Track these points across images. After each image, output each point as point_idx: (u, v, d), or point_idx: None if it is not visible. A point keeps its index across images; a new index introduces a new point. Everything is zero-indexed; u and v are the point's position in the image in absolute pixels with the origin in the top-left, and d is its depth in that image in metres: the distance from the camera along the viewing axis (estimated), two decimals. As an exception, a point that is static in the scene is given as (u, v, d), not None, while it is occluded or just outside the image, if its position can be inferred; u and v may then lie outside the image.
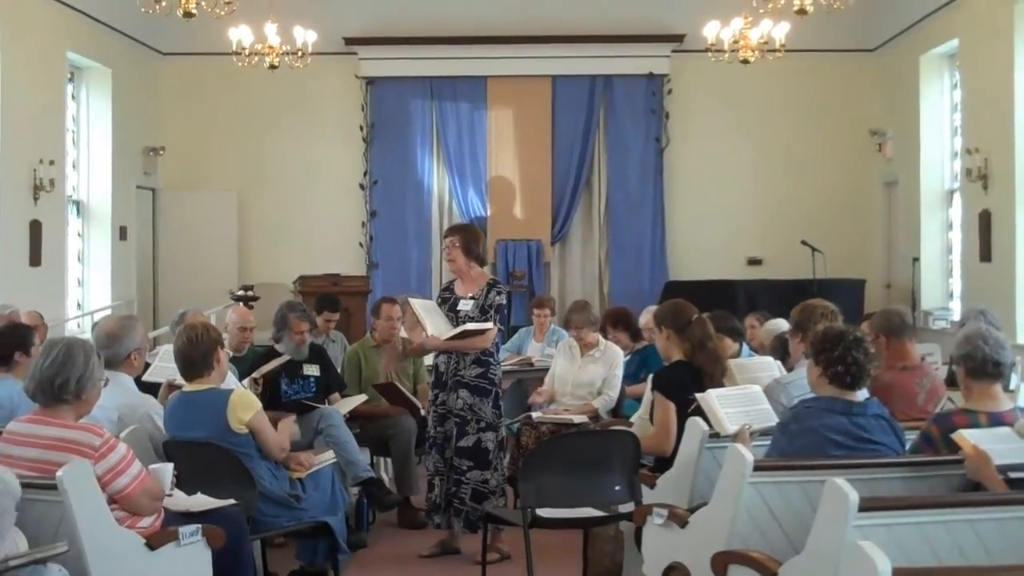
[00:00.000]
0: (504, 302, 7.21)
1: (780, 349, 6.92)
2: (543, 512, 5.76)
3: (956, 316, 12.55)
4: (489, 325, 7.03)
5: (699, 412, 5.43)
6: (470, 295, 7.15)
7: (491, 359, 7.14)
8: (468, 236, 7.27)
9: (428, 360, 7.81)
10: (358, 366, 8.51)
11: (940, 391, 5.92)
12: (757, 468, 4.46)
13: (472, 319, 7.05)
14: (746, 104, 15.46)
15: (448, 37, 15.28)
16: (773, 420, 5.33)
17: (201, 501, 5.10)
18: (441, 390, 7.13)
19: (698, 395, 5.47)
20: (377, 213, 15.69)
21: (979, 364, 4.74)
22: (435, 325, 7.01)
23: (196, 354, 5.67)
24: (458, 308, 7.15)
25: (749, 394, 5.55)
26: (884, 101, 15.29)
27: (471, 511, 6.99)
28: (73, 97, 13.79)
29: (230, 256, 15.40)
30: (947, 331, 12.10)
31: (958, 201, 13.40)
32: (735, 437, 5.08)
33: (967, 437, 4.46)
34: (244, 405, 5.63)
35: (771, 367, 6.84)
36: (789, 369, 6.46)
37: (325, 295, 10.14)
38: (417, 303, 7.23)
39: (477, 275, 7.24)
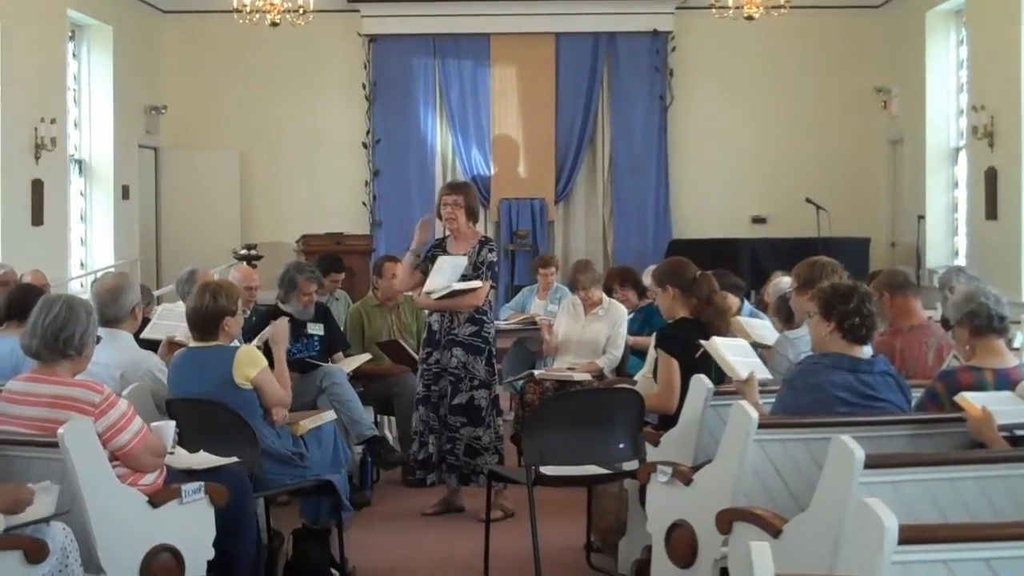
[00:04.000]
0: (496, 259, 7.19)
1: (784, 310, 6.57)
2: (547, 470, 5.75)
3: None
4: (478, 283, 6.99)
5: (705, 360, 5.41)
6: (463, 253, 7.11)
7: (485, 317, 7.12)
8: (471, 197, 7.24)
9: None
10: (361, 325, 8.51)
11: (947, 348, 5.88)
12: (762, 426, 4.46)
13: (464, 277, 7.02)
14: (750, 61, 15.32)
15: (451, -6, 15.20)
16: (767, 373, 5.34)
17: (204, 459, 5.09)
18: (435, 348, 7.10)
19: (704, 342, 5.44)
20: (380, 172, 15.60)
21: (986, 320, 4.74)
22: (433, 281, 6.97)
23: (207, 317, 5.64)
24: None
25: (743, 346, 5.54)
26: (889, 58, 15.16)
27: (464, 465, 7.02)
28: (74, 55, 13.69)
29: (233, 215, 15.34)
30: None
31: (964, 159, 13.34)
32: (745, 383, 5.05)
33: (970, 400, 4.44)
34: (250, 361, 5.62)
35: (769, 327, 6.79)
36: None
37: (328, 255, 10.09)
38: None
39: (471, 233, 7.21)
